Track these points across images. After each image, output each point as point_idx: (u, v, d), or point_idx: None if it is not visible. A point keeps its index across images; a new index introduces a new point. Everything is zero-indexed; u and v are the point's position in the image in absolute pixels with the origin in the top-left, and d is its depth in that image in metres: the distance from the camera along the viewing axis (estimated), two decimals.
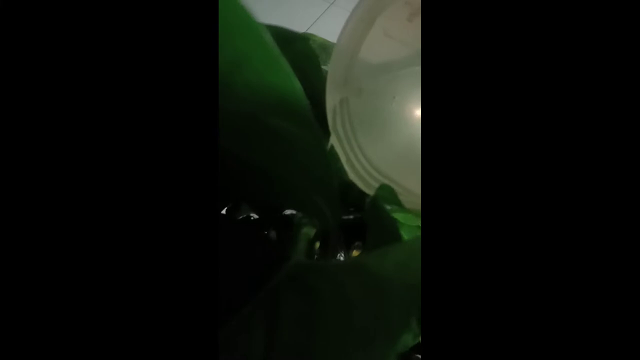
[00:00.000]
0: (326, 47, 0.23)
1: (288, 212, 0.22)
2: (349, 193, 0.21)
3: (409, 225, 0.20)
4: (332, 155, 0.19)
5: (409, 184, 0.19)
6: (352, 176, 0.19)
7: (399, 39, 0.20)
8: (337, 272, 0.15)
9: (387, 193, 0.17)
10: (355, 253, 0.23)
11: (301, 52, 0.19)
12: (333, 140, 0.19)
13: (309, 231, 0.20)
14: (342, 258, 0.22)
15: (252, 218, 0.23)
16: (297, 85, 0.12)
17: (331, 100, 0.19)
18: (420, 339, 0.19)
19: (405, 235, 0.20)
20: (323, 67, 0.20)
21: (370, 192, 0.19)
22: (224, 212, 0.23)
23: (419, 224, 0.19)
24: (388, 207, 0.17)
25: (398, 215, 0.19)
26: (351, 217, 0.21)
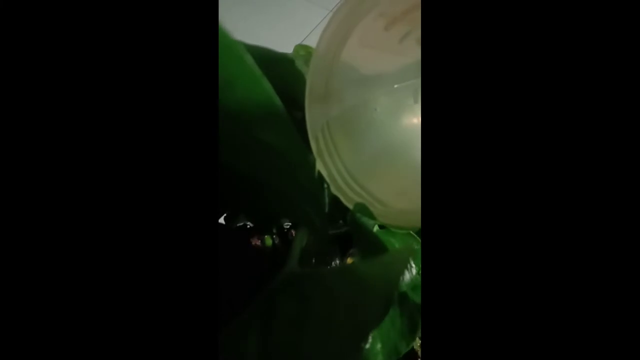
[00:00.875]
0: None
1: (284, 221, 0.23)
2: (342, 203, 0.21)
3: (400, 234, 0.20)
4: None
5: (384, 194, 0.19)
6: (334, 190, 0.19)
7: (377, 48, 0.20)
8: (328, 276, 0.16)
9: (362, 208, 0.18)
10: (349, 260, 0.23)
11: (288, 71, 0.19)
12: (314, 153, 0.19)
13: (303, 239, 0.20)
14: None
15: (248, 226, 0.23)
16: (279, 103, 0.13)
17: (311, 113, 0.18)
18: (412, 346, 0.19)
19: (397, 243, 0.21)
20: None
21: (350, 205, 0.19)
22: (222, 220, 0.23)
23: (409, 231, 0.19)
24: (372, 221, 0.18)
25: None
26: (344, 226, 0.21)
